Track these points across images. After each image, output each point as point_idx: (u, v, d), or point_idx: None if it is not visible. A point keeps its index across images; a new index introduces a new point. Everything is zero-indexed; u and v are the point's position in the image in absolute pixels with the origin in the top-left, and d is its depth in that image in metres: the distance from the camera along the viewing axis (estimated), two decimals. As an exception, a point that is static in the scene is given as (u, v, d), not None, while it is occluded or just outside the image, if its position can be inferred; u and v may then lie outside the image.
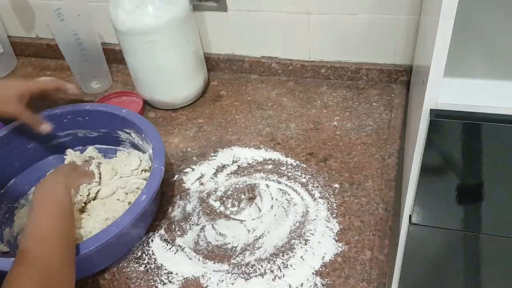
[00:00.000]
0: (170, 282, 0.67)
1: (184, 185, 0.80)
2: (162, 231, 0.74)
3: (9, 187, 0.82)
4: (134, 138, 0.82)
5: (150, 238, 0.73)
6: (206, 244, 0.71)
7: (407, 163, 0.76)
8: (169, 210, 0.77)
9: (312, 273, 0.65)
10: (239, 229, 0.73)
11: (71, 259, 0.58)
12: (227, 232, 0.73)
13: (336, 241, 0.68)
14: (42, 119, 0.78)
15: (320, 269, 0.65)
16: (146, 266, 0.70)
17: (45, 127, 0.78)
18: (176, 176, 0.82)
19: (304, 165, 0.80)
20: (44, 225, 0.59)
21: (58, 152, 0.85)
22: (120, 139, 0.84)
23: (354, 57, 0.96)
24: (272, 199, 0.75)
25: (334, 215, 0.72)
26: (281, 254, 0.68)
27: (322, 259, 0.66)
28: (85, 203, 0.74)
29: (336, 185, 0.76)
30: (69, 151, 0.83)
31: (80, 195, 0.73)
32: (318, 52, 0.98)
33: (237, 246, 0.70)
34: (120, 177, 0.77)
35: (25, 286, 0.50)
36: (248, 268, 0.67)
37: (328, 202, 0.74)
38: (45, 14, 1.08)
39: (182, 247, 0.71)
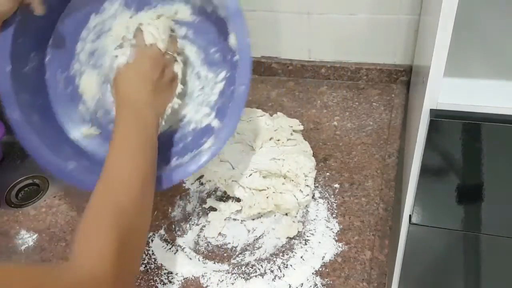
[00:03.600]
0: (170, 282, 0.67)
1: (184, 185, 0.80)
2: (162, 231, 0.74)
3: (51, 52, 0.69)
4: None
5: (150, 238, 0.73)
6: (206, 244, 0.71)
7: (407, 163, 0.76)
8: (169, 210, 0.77)
9: (312, 273, 0.65)
10: (239, 229, 0.73)
11: (149, 203, 0.55)
12: (227, 232, 0.73)
13: (336, 241, 0.68)
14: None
15: (320, 269, 0.65)
16: (146, 266, 0.70)
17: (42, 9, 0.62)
18: (176, 176, 0.82)
19: (304, 165, 0.80)
20: (126, 167, 0.54)
21: None
22: None
23: (354, 57, 0.96)
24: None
25: (334, 215, 0.72)
26: (281, 254, 0.68)
27: (322, 259, 0.66)
28: None
29: (336, 185, 0.76)
30: (144, 28, 0.65)
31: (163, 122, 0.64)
32: (318, 52, 0.98)
33: (237, 246, 0.70)
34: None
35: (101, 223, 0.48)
36: (248, 268, 0.67)
37: (328, 202, 0.74)
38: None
39: (182, 247, 0.71)
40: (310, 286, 0.63)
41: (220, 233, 0.72)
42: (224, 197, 0.77)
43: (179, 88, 0.66)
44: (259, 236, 0.71)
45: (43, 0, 0.61)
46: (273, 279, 0.65)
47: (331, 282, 0.64)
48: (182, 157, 0.66)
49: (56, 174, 0.65)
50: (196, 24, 0.69)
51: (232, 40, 0.64)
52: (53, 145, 0.65)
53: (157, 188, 0.59)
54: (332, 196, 0.75)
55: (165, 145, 0.67)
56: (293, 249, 0.68)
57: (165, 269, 0.69)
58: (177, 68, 0.66)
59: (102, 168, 0.53)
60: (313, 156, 0.79)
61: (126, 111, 0.58)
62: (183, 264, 0.69)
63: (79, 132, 0.69)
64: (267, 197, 0.72)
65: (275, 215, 0.73)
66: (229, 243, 0.71)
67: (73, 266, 0.45)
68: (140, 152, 0.56)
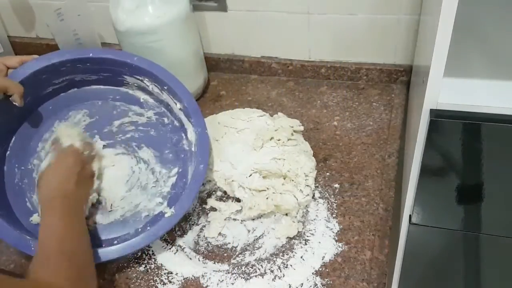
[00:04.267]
0: (170, 282, 0.67)
1: (184, 185, 0.80)
2: (162, 231, 0.74)
3: (13, 147, 0.76)
4: (148, 86, 0.78)
5: (150, 238, 0.73)
6: (206, 244, 0.71)
7: (407, 163, 0.76)
8: (169, 210, 0.77)
9: (312, 273, 0.65)
10: (239, 229, 0.73)
11: (90, 253, 0.62)
12: (227, 232, 0.73)
13: (336, 241, 0.68)
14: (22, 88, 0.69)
15: (320, 269, 0.65)
16: (146, 266, 0.70)
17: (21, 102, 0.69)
18: (176, 176, 0.82)
19: (304, 165, 0.80)
20: (59, 229, 0.60)
21: (53, 96, 0.79)
22: (125, 82, 0.80)
23: (354, 57, 0.96)
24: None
25: (334, 215, 0.72)
26: (281, 254, 0.68)
27: (322, 259, 0.66)
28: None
29: (336, 185, 0.76)
30: (58, 128, 0.76)
31: (89, 205, 0.71)
32: (318, 52, 0.98)
33: (237, 246, 0.71)
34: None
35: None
36: (248, 268, 0.67)
37: (328, 202, 0.74)
38: (45, 14, 1.08)
39: (182, 247, 0.71)
40: (310, 286, 0.63)
41: (220, 233, 0.72)
42: (224, 197, 0.77)
43: (96, 183, 0.72)
44: (259, 236, 0.71)
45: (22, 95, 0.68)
46: (273, 279, 0.65)
47: (331, 282, 0.64)
48: (132, 239, 0.70)
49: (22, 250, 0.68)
50: (152, 135, 0.80)
51: (190, 134, 0.76)
52: (13, 225, 0.69)
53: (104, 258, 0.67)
54: (332, 196, 0.75)
55: (116, 232, 0.73)
56: (293, 249, 0.68)
57: (165, 269, 0.69)
58: (95, 166, 0.73)
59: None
60: (313, 156, 0.79)
61: (54, 200, 0.63)
62: (183, 264, 0.69)
63: (29, 220, 0.73)
64: (267, 198, 0.72)
65: (275, 215, 0.73)
66: (229, 243, 0.71)
67: (33, 280, 0.51)
68: (70, 218, 0.61)
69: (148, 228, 0.70)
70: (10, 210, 0.73)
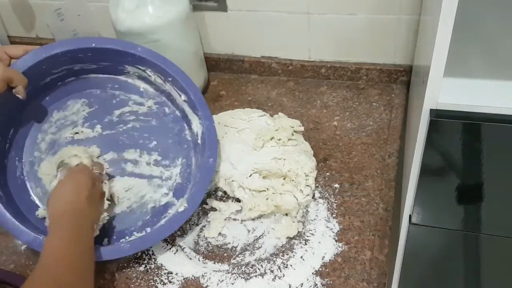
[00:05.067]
0: (170, 282, 0.67)
1: (184, 185, 0.80)
2: (162, 231, 0.74)
3: (12, 139, 0.75)
4: (150, 76, 0.77)
5: (150, 238, 0.73)
6: (206, 244, 0.71)
7: (407, 163, 0.76)
8: (169, 210, 0.77)
9: (312, 273, 0.65)
10: (239, 229, 0.73)
11: (88, 276, 0.58)
12: (227, 232, 0.73)
13: (336, 241, 0.68)
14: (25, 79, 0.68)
15: (320, 269, 0.65)
16: (146, 266, 0.70)
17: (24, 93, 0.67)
18: (176, 176, 0.82)
19: (304, 165, 0.80)
20: (62, 252, 0.57)
21: (51, 86, 0.77)
22: (125, 71, 0.78)
23: (354, 57, 0.96)
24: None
25: (334, 215, 0.72)
26: (281, 254, 0.68)
27: (322, 259, 0.66)
28: None
29: (336, 185, 0.76)
30: (62, 150, 0.75)
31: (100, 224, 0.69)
32: (318, 52, 0.98)
33: (237, 246, 0.71)
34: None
35: None
36: (248, 268, 0.67)
37: (328, 202, 0.74)
38: (45, 14, 1.08)
39: (182, 247, 0.71)
40: (310, 286, 0.63)
41: (220, 233, 0.72)
42: (224, 197, 0.77)
43: (106, 204, 0.70)
44: (259, 236, 0.71)
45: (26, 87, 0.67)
46: (273, 279, 0.65)
47: (331, 282, 0.64)
48: (140, 232, 0.72)
49: (28, 245, 0.68)
50: (154, 124, 0.79)
51: (195, 126, 0.75)
52: (21, 221, 0.69)
53: (111, 257, 0.67)
54: (332, 196, 0.75)
55: (124, 224, 0.73)
56: (293, 249, 0.68)
57: (165, 269, 0.69)
58: (105, 187, 0.71)
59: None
60: (313, 156, 0.79)
61: (62, 217, 0.60)
62: (183, 264, 0.69)
63: (35, 214, 0.73)
64: (266, 199, 0.72)
65: (275, 215, 0.73)
66: (229, 243, 0.71)
67: None
68: (75, 238, 0.59)
69: (155, 219, 0.71)
70: (15, 205, 0.72)
